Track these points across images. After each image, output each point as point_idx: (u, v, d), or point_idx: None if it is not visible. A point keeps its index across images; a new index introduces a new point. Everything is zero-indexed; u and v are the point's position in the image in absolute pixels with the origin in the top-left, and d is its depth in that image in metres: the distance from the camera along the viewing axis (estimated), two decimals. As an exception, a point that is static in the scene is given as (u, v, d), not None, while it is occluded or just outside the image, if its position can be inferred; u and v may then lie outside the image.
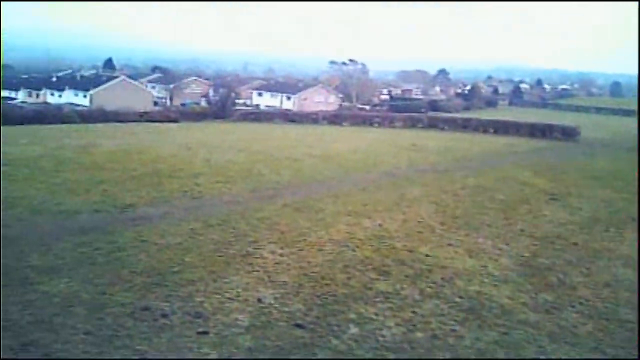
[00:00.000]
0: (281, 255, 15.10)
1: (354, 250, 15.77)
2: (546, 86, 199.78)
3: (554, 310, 12.58)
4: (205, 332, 10.57)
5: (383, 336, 10.85)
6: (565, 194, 25.39)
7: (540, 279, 14.52)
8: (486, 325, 11.57)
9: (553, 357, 10.56)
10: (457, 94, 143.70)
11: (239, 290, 12.55)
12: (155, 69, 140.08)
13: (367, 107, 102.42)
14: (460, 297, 12.89)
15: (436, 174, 28.80)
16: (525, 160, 36.62)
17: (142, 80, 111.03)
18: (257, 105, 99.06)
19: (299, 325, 11.04)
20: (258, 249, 15.50)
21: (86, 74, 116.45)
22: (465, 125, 61.17)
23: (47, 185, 22.11)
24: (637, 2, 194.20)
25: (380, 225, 18.58)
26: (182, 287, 12.53)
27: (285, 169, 28.28)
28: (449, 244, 16.89)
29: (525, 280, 14.38)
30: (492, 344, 10.79)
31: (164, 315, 11.11)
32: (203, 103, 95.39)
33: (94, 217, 18.07)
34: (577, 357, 10.61)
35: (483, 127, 59.93)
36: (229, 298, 12.09)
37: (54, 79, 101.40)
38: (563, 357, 10.71)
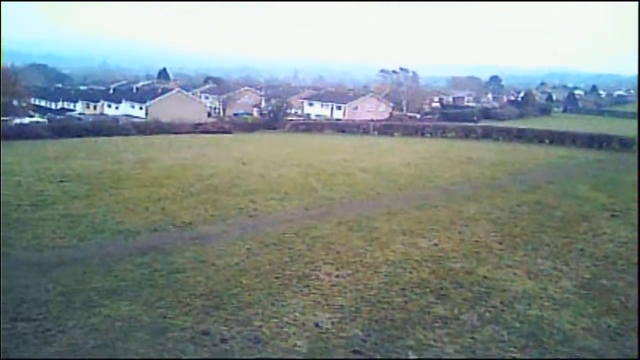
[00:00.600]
0: (337, 276, 15.13)
1: (410, 272, 15.68)
2: (601, 92, 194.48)
3: (618, 337, 12.27)
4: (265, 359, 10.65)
5: (442, 364, 10.78)
6: (625, 210, 24.63)
7: (602, 303, 14.18)
8: (547, 352, 11.39)
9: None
10: (510, 102, 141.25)
11: (297, 314, 12.63)
12: (208, 79, 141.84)
13: (418, 116, 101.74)
14: (520, 322, 12.70)
15: (493, 190, 28.36)
16: (583, 174, 35.75)
17: (195, 90, 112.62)
18: (308, 115, 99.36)
19: (357, 352, 11.03)
20: (314, 270, 15.57)
21: (141, 85, 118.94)
22: (519, 136, 60.14)
23: (107, 203, 22.68)
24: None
25: (436, 245, 18.43)
26: (241, 310, 12.68)
27: (338, 185, 28.30)
28: (508, 265, 16.65)
29: (587, 303, 14.07)
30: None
31: (224, 340, 11.26)
32: (255, 113, 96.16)
33: (153, 236, 18.44)
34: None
35: (538, 137, 58.81)
36: (287, 322, 12.17)
37: (111, 91, 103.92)
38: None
